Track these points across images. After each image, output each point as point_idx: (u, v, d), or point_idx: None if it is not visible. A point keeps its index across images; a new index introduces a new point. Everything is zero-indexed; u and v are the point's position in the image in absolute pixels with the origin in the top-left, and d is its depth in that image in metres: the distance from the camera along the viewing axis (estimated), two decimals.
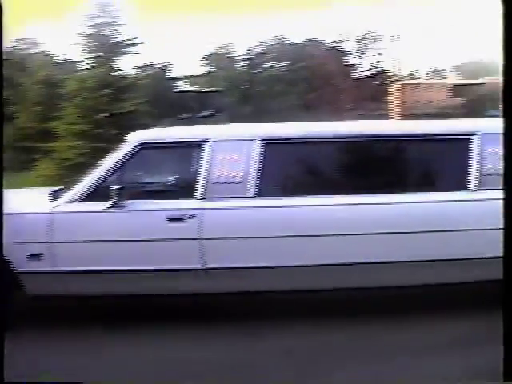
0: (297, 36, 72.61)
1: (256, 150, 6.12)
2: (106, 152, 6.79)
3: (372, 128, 6.93)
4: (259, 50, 58.18)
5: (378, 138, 6.52)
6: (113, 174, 6.04)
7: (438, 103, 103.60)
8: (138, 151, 6.14)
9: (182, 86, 67.29)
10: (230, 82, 59.09)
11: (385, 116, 36.72)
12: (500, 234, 4.74)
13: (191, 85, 66.66)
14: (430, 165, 6.63)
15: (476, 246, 6.09)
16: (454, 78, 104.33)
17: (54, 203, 6.05)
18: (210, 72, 71.03)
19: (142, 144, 6.17)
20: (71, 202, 6.00)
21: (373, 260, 6.05)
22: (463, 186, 6.31)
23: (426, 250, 6.13)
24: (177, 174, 6.61)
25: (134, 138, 6.29)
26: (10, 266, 5.70)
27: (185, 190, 6.17)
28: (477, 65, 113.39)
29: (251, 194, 6.04)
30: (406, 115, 45.24)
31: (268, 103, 54.82)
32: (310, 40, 53.30)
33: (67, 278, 5.88)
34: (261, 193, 6.05)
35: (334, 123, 7.69)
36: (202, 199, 6.01)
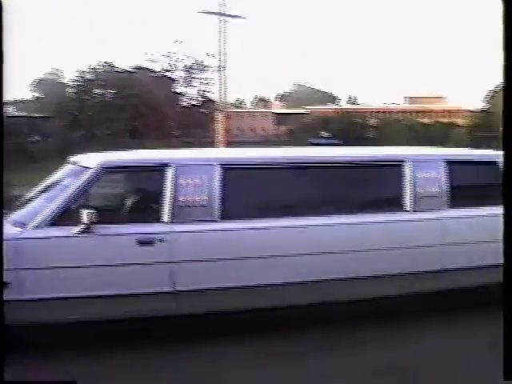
0: (125, 63, 73.43)
1: (216, 174, 6.19)
2: None
3: (321, 154, 7.51)
4: (88, 76, 58.48)
5: (328, 164, 6.80)
6: (78, 198, 5.91)
7: (262, 131, 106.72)
8: (102, 175, 6.04)
9: (10, 111, 66.44)
10: (59, 107, 59.05)
11: (211, 143, 38.29)
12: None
13: (20, 110, 65.94)
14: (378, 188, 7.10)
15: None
16: (278, 107, 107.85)
17: (18, 229, 5.77)
18: (39, 97, 70.44)
19: (106, 168, 6.07)
20: (38, 227, 5.74)
21: (331, 277, 6.42)
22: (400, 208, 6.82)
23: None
24: (142, 197, 6.59)
25: (97, 162, 6.13)
26: None
27: (152, 213, 6.14)
28: (300, 94, 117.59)
29: (216, 218, 6.13)
30: (232, 143, 47.17)
31: (97, 129, 55.41)
32: (138, 68, 54.31)
33: (36, 306, 5.61)
34: (224, 216, 6.15)
35: (287, 149, 8.37)
36: (169, 223, 6.01)
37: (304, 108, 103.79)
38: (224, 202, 6.16)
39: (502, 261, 6.49)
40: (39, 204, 6.25)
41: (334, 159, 6.96)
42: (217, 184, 6.16)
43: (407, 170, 6.83)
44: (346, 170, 6.86)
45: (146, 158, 6.65)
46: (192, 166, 6.22)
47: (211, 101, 43.98)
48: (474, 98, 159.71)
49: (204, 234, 6.07)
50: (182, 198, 6.05)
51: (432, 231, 6.76)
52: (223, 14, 42.15)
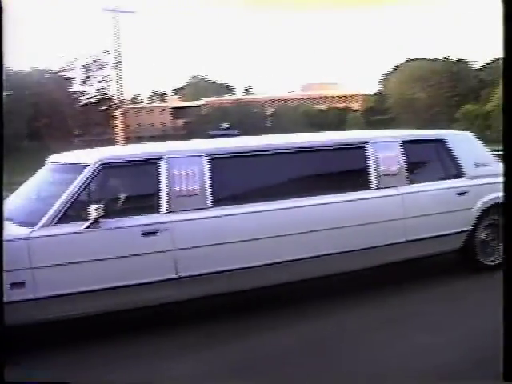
0: (22, 64, 71.82)
1: (205, 164, 6.52)
2: None
3: (299, 140, 7.83)
4: None
5: (304, 149, 7.27)
6: (80, 195, 6.07)
7: (160, 125, 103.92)
8: (100, 170, 6.21)
9: None
10: None
11: (112, 140, 38.04)
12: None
13: None
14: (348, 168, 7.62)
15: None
16: (175, 101, 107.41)
17: (27, 228, 5.91)
18: None
19: (103, 164, 6.25)
20: (46, 226, 5.89)
21: (315, 254, 6.83)
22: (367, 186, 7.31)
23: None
24: (140, 189, 6.79)
25: (95, 159, 6.31)
26: None
27: (151, 204, 6.35)
28: (196, 86, 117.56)
29: (209, 205, 6.46)
30: (131, 138, 46.84)
31: None
32: (33, 68, 53.34)
33: (51, 303, 5.77)
34: (215, 203, 6.49)
35: (264, 137, 8.68)
36: (168, 213, 6.28)
37: (200, 100, 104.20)
38: (213, 189, 6.48)
39: (457, 229, 7.51)
40: (41, 203, 6.48)
41: (312, 144, 7.40)
42: (205, 174, 6.48)
43: (369, 151, 7.36)
44: (321, 154, 7.31)
45: (140, 152, 6.78)
46: (181, 159, 6.51)
47: (110, 98, 43.77)
48: (367, 82, 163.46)
49: (200, 221, 6.38)
50: (176, 189, 6.34)
51: (397, 205, 7.31)
52: (116, 10, 41.94)
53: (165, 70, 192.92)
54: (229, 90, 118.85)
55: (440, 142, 7.98)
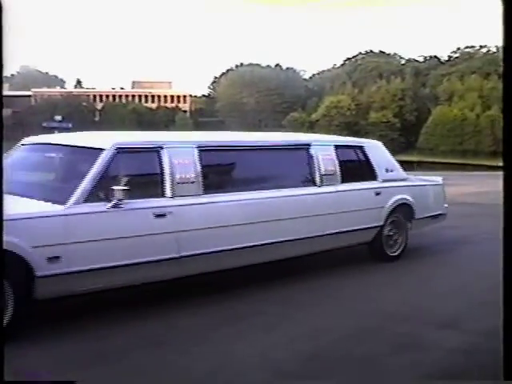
0: None
1: (196, 155, 6.93)
2: None
3: (267, 138, 8.84)
4: None
5: (267, 147, 8.08)
6: (102, 176, 6.26)
7: None
8: (116, 154, 6.42)
9: None
10: None
11: None
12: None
13: None
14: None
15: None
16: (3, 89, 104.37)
17: (59, 206, 6.00)
18: None
19: (118, 148, 6.44)
20: (78, 203, 6.03)
21: (279, 239, 7.42)
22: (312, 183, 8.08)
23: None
24: (147, 174, 7.05)
25: (111, 144, 6.50)
26: (30, 270, 5.54)
27: (159, 189, 6.65)
28: (25, 76, 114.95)
29: (201, 192, 6.87)
30: None
31: None
32: None
33: (80, 277, 5.93)
34: (206, 191, 6.92)
35: (249, 134, 9.43)
36: (172, 197, 6.62)
37: (30, 90, 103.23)
38: (204, 179, 6.92)
39: (374, 223, 8.58)
40: (58, 182, 6.95)
41: (275, 143, 8.38)
42: (197, 164, 6.91)
43: (313, 151, 8.21)
44: (282, 152, 8.20)
45: (146, 139, 7.18)
46: (178, 149, 6.91)
47: None
48: (198, 83, 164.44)
49: (197, 206, 6.82)
50: (177, 176, 6.71)
51: (334, 201, 8.19)
52: None
53: None
54: (59, 81, 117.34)
55: (360, 148, 8.90)
